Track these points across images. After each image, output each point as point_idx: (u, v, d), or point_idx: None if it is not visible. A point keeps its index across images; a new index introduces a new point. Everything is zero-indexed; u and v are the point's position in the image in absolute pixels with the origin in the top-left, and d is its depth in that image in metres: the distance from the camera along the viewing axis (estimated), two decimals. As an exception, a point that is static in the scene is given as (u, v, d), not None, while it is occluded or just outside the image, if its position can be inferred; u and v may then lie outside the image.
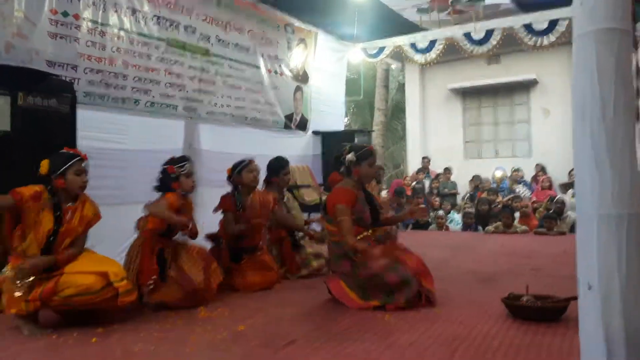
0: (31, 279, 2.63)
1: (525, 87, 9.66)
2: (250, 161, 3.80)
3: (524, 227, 6.84)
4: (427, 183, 9.30)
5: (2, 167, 3.15)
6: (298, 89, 6.82)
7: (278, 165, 4.15)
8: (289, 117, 6.60)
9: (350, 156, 3.25)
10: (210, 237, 3.83)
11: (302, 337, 2.47)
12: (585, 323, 1.10)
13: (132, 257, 3.21)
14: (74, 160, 2.78)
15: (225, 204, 3.73)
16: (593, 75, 1.06)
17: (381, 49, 7.87)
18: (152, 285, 3.07)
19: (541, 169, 8.91)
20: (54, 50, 3.96)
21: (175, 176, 3.27)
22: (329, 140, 6.99)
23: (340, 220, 3.10)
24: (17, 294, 2.59)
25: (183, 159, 3.40)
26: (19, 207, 2.66)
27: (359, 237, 3.16)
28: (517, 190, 8.66)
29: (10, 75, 3.21)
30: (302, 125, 6.89)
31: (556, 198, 7.28)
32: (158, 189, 3.33)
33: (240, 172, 3.73)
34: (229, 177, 3.80)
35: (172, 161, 3.35)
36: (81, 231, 2.87)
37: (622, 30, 1.07)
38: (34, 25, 3.82)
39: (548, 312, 2.68)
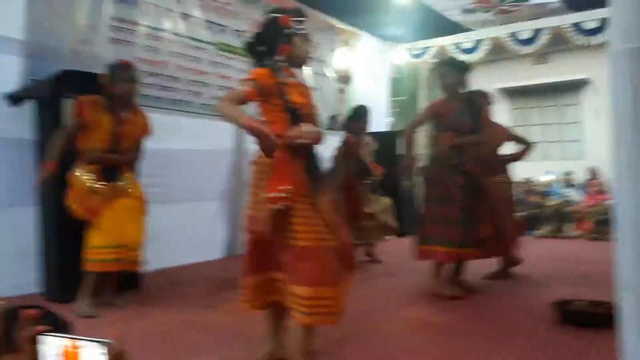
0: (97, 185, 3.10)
1: (576, 87, 9.36)
2: None
3: (576, 232, 6.65)
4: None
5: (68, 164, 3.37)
6: (341, 90, 6.90)
7: (356, 113, 4.82)
8: (332, 118, 6.69)
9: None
10: None
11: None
12: (624, 328, 1.11)
13: None
14: (122, 69, 3.19)
15: None
16: (630, 91, 1.09)
17: (425, 50, 7.84)
18: None
19: (594, 173, 8.61)
20: (114, 54, 4.18)
21: (288, 33, 2.14)
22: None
23: None
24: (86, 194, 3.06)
25: (299, 12, 2.22)
26: (83, 117, 3.08)
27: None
28: (569, 194, 8.41)
29: (77, 79, 3.44)
30: (345, 128, 6.94)
31: (610, 202, 7.05)
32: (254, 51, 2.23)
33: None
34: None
35: (283, 10, 2.20)
36: (137, 137, 3.28)
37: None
38: (95, 31, 4.07)
39: (600, 318, 2.61)
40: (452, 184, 3.37)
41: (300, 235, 1.98)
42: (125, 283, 3.52)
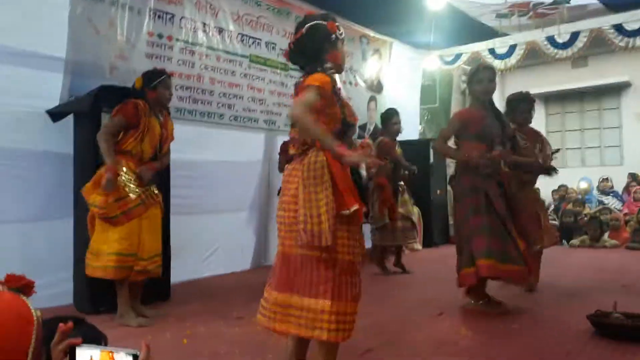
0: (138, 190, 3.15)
1: (616, 90, 9.05)
2: None
3: (613, 242, 6.42)
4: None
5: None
6: (372, 98, 6.89)
7: (386, 116, 4.98)
8: (362, 127, 6.68)
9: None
10: None
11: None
12: None
13: None
14: (164, 76, 3.30)
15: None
16: None
17: (458, 56, 7.73)
18: None
19: (633, 179, 8.27)
20: (150, 69, 4.32)
21: (334, 39, 2.09)
22: (403, 149, 6.94)
23: None
24: (132, 196, 3.11)
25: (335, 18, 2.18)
26: (136, 119, 3.14)
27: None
28: (607, 201, 8.11)
29: (115, 94, 3.55)
30: (376, 134, 6.92)
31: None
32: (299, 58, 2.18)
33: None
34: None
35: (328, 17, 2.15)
36: (170, 142, 3.39)
37: None
38: (133, 47, 4.21)
39: (638, 331, 2.54)
40: (493, 193, 3.24)
41: (345, 249, 1.96)
42: (155, 294, 3.60)
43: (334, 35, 2.08)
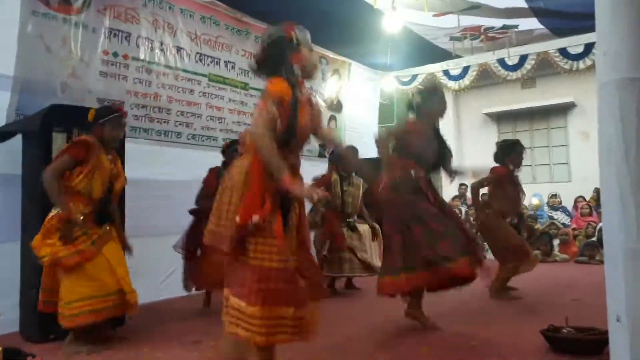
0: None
1: (563, 110, 9.52)
2: None
3: (564, 256, 6.67)
4: (463, 210, 9.19)
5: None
6: (332, 118, 6.97)
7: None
8: (323, 146, 6.73)
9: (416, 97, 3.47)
10: None
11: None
12: (615, 356, 1.12)
13: None
14: (115, 114, 3.12)
15: None
16: (617, 121, 1.12)
17: (414, 77, 7.95)
18: None
19: (581, 195, 8.66)
20: (104, 88, 4.23)
21: (296, 44, 2.14)
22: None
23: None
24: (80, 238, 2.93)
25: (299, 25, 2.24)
26: (86, 156, 2.97)
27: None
28: (556, 216, 8.45)
29: (66, 114, 3.45)
30: (333, 154, 7.00)
31: (599, 225, 7.07)
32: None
33: None
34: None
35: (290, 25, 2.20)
36: (123, 183, 3.24)
37: (642, 79, 1.13)
38: (87, 65, 4.11)
39: (589, 344, 2.63)
40: (424, 203, 3.22)
41: (259, 255, 2.01)
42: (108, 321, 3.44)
43: (295, 41, 2.12)
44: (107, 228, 3.15)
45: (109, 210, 3.16)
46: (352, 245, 4.71)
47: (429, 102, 3.42)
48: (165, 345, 3.12)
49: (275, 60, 2.12)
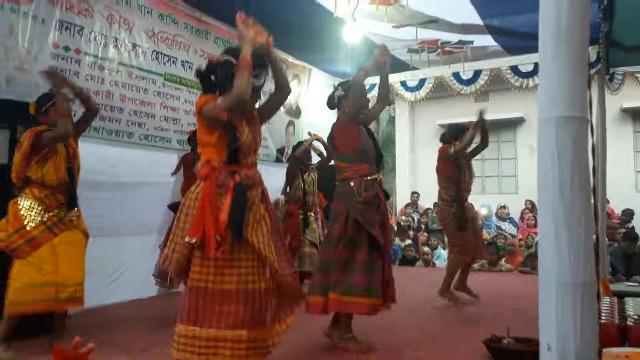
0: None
1: (513, 124, 9.90)
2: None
3: (508, 266, 6.92)
4: (415, 218, 9.40)
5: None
6: (290, 123, 6.96)
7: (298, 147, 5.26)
8: (280, 151, 6.72)
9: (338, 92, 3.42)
10: None
11: None
12: None
13: None
14: (53, 99, 3.13)
15: None
16: (554, 157, 1.18)
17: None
18: None
19: (531, 206, 9.00)
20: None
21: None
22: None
23: None
24: (30, 225, 2.97)
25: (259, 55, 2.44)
26: (37, 142, 3.00)
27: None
28: (503, 227, 8.78)
29: (9, 110, 3.29)
30: (290, 159, 7.00)
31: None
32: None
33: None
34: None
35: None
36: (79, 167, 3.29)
37: (579, 117, 1.20)
38: (35, 58, 3.92)
39: (529, 355, 2.68)
40: (369, 220, 2.98)
41: (196, 276, 2.17)
42: (40, 325, 3.29)
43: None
44: (75, 217, 3.17)
45: (75, 193, 3.17)
46: (312, 238, 4.88)
47: (357, 96, 3.23)
48: (109, 353, 3.01)
49: (217, 78, 2.36)
